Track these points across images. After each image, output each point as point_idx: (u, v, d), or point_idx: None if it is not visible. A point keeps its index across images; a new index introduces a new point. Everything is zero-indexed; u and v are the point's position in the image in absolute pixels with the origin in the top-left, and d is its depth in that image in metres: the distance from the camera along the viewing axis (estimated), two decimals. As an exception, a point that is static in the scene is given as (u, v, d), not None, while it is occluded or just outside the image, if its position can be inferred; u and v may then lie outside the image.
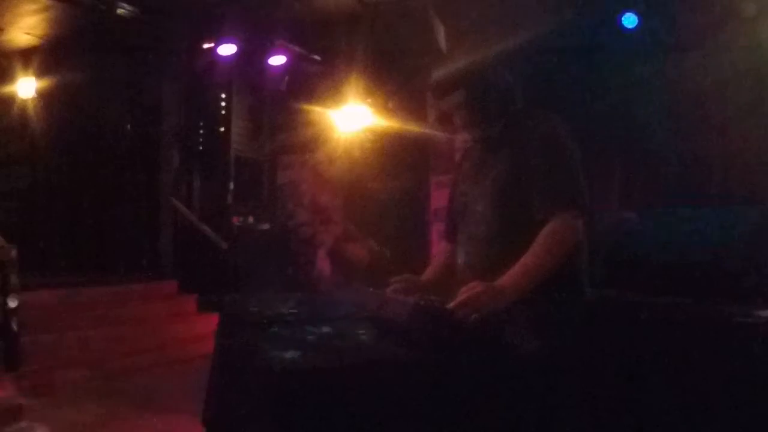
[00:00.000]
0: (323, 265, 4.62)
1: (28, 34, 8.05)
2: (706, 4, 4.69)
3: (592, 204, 2.03)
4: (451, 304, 1.80)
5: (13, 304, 5.01)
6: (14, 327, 4.99)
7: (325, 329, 1.80)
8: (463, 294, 1.79)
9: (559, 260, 1.89)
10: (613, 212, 3.30)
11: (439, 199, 5.22)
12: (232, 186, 8.66)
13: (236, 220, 8.52)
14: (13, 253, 5.14)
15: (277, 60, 7.78)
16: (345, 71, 7.50)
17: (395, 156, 7.33)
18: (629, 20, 5.13)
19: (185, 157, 8.51)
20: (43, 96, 8.82)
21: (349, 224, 4.59)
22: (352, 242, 4.49)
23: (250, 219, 8.61)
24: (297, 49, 7.79)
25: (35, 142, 9.20)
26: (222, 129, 8.89)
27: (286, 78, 8.16)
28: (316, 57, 8.07)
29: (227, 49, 7.53)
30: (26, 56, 8.58)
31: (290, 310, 2.07)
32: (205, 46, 7.72)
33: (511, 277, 1.87)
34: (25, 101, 8.90)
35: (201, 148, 8.86)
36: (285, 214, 7.89)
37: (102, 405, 4.64)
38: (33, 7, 7.23)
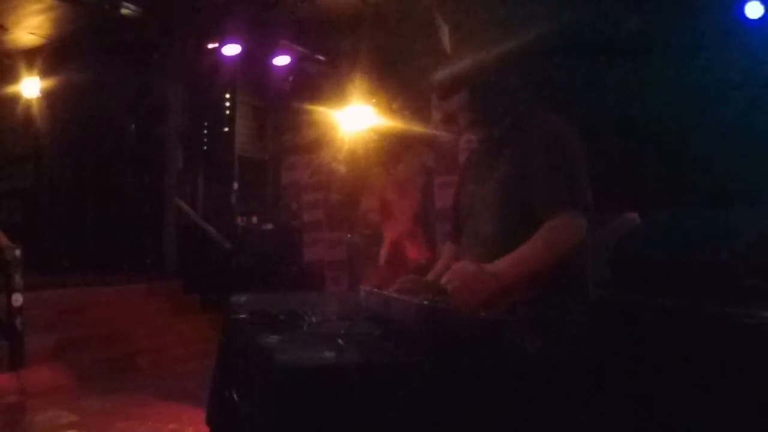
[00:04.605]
0: (384, 254, 4.65)
1: (33, 34, 8.08)
2: None
3: (595, 205, 2.03)
4: (443, 282, 1.82)
5: (17, 303, 5.02)
6: (18, 326, 5.01)
7: (329, 329, 1.80)
8: (453, 278, 1.82)
9: (556, 255, 1.89)
10: (615, 213, 3.30)
11: (443, 199, 5.21)
12: (235, 186, 8.68)
13: (240, 220, 8.54)
14: (17, 252, 5.16)
15: (282, 60, 7.79)
16: (349, 71, 7.50)
17: (399, 156, 7.33)
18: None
19: (189, 158, 8.53)
20: (47, 96, 8.85)
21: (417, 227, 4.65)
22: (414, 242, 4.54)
23: (254, 219, 8.62)
24: (301, 49, 7.80)
25: (39, 142, 9.23)
26: (226, 129, 8.91)
27: (290, 78, 8.19)
28: (320, 57, 8.08)
29: (231, 50, 7.54)
30: (30, 56, 8.61)
31: (294, 310, 2.07)
32: (210, 46, 7.74)
33: (505, 261, 1.88)
34: (29, 101, 8.92)
35: (205, 148, 8.88)
36: (289, 214, 7.88)
37: (105, 404, 4.64)
38: (37, 7, 7.25)
